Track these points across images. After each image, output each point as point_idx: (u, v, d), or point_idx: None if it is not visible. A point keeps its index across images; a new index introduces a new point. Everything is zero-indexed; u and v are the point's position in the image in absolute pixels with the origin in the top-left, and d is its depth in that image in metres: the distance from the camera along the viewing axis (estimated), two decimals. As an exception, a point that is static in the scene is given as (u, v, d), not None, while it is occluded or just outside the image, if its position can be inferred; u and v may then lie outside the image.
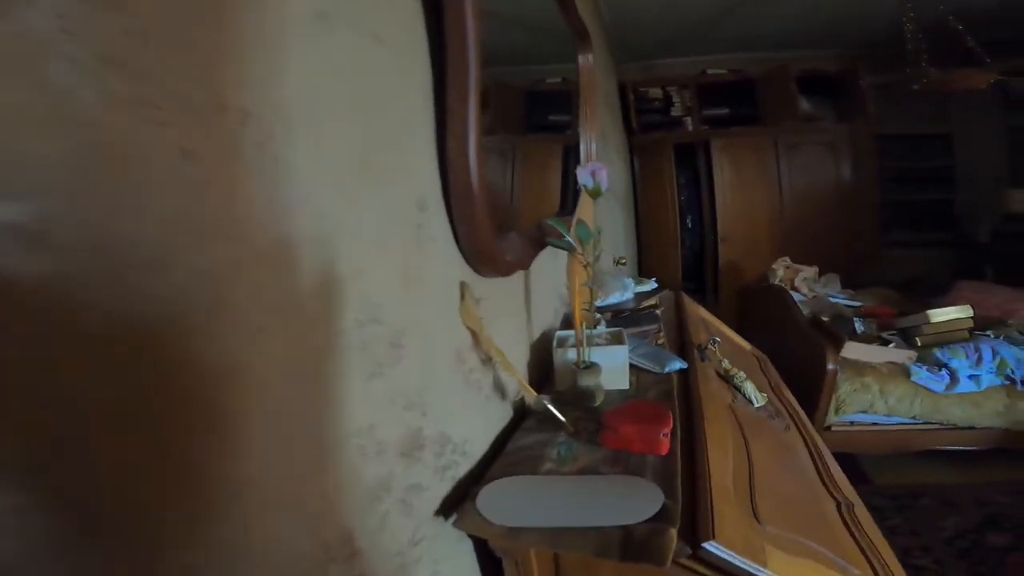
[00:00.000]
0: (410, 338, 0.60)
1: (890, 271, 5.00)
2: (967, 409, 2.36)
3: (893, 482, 2.47)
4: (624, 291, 1.31)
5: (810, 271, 3.67)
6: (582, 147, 1.65)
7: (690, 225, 4.95)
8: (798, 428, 1.31)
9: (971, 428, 2.40)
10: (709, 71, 4.74)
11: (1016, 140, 4.71)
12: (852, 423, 2.52)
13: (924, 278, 4.49)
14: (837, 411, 2.50)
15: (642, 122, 4.63)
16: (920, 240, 5.26)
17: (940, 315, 2.51)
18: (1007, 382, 2.35)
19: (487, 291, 0.80)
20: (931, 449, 2.48)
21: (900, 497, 2.35)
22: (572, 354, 0.92)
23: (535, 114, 1.65)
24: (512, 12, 1.27)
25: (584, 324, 0.89)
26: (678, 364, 1.05)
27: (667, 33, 4.39)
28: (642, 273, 4.56)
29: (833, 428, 2.53)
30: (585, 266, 0.86)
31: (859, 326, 2.77)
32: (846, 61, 4.62)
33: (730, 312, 4.33)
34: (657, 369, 1.04)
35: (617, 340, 0.98)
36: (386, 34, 0.59)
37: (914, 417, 2.43)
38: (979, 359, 2.34)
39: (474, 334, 0.72)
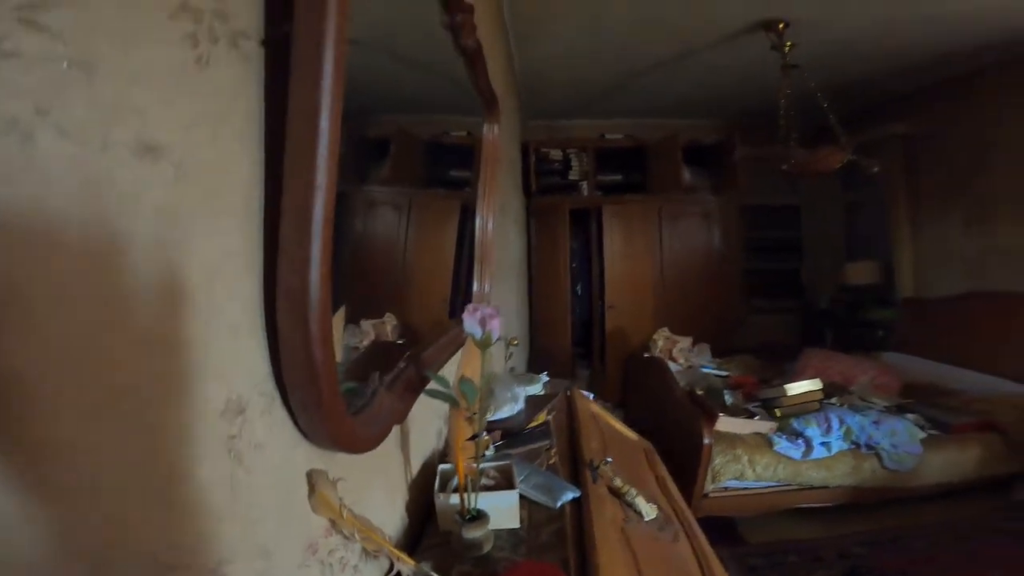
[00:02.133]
0: (239, 565, 0.49)
1: (750, 336, 5.56)
2: (822, 472, 2.63)
3: (765, 540, 2.64)
4: (515, 403, 1.28)
5: (685, 341, 3.95)
6: (478, 222, 1.59)
7: (579, 292, 5.16)
8: (684, 530, 1.34)
9: (826, 487, 2.66)
10: (607, 136, 5.03)
11: (852, 215, 5.55)
12: (727, 489, 2.69)
13: (777, 343, 5.04)
14: (713, 479, 2.65)
15: (541, 184, 4.76)
16: (775, 307, 5.94)
17: (795, 389, 2.80)
18: (853, 446, 2.66)
19: (350, 464, 0.70)
20: (796, 508, 2.71)
21: (773, 555, 2.52)
22: (456, 499, 0.86)
23: (436, 167, 1.58)
24: (419, 55, 1.22)
25: (470, 478, 0.83)
26: (571, 494, 1.03)
27: (573, 95, 4.70)
28: (533, 337, 4.65)
29: (710, 495, 2.68)
30: (470, 419, 0.81)
31: (728, 398, 3.00)
32: (726, 131, 5.09)
33: (616, 379, 4.54)
34: (550, 503, 1.00)
35: (506, 479, 0.94)
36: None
37: (778, 481, 2.65)
38: (829, 427, 2.62)
39: (333, 520, 0.63)
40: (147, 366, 0.40)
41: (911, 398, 3.17)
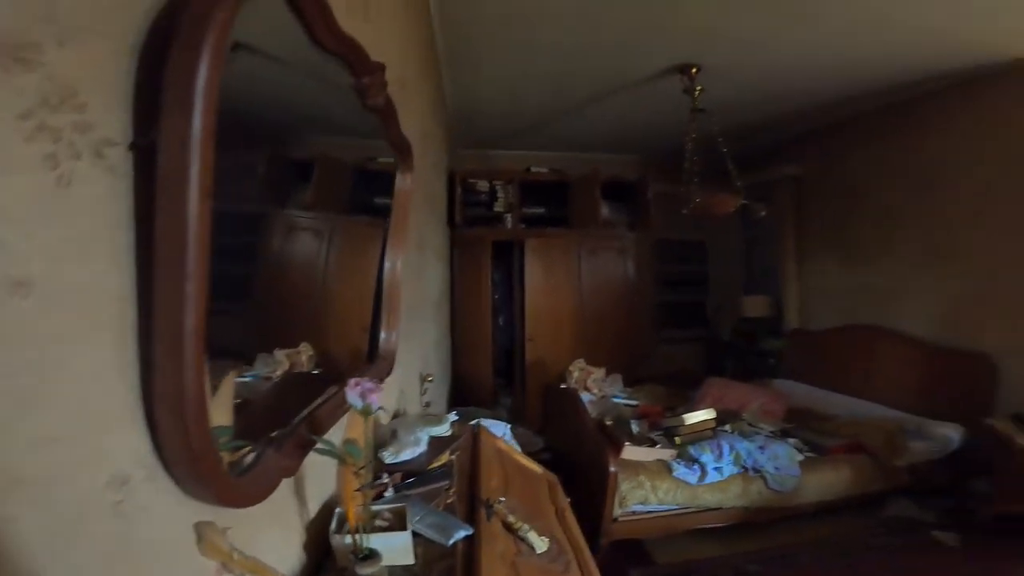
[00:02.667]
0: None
1: (661, 364, 5.90)
2: (716, 494, 2.85)
3: (670, 560, 2.82)
4: (417, 446, 1.33)
5: (599, 372, 4.15)
6: (386, 266, 1.56)
7: (502, 324, 5.28)
8: (576, 559, 1.44)
9: (721, 509, 2.89)
10: (533, 168, 5.17)
11: (751, 251, 6.07)
12: (634, 512, 2.84)
13: (684, 372, 5.39)
14: (620, 504, 2.80)
15: (467, 215, 4.81)
16: (683, 337, 6.35)
17: (692, 418, 3.03)
18: (742, 470, 2.90)
19: (242, 513, 0.71)
20: (698, 528, 2.92)
21: (677, 574, 2.72)
22: (350, 539, 0.91)
23: (361, 193, 1.54)
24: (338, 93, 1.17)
25: (360, 522, 0.89)
26: (463, 532, 1.10)
27: (503, 126, 4.86)
28: (456, 366, 4.69)
29: (620, 519, 2.83)
30: (357, 472, 0.86)
31: (635, 427, 3.19)
32: (644, 169, 5.45)
33: (537, 407, 4.67)
34: (443, 540, 1.07)
35: (400, 521, 1.00)
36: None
37: (679, 504, 2.84)
38: (720, 454, 2.86)
39: (223, 563, 0.67)
40: (39, 458, 0.44)
41: (793, 422, 3.51)
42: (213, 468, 0.58)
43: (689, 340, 6.32)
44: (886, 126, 4.09)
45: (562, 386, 4.22)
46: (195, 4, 0.52)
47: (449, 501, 1.23)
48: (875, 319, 4.14)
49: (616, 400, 3.91)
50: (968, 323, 3.49)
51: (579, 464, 3.14)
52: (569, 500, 1.93)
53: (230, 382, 0.70)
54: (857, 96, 3.89)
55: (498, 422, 3.00)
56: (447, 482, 1.27)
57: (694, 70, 3.38)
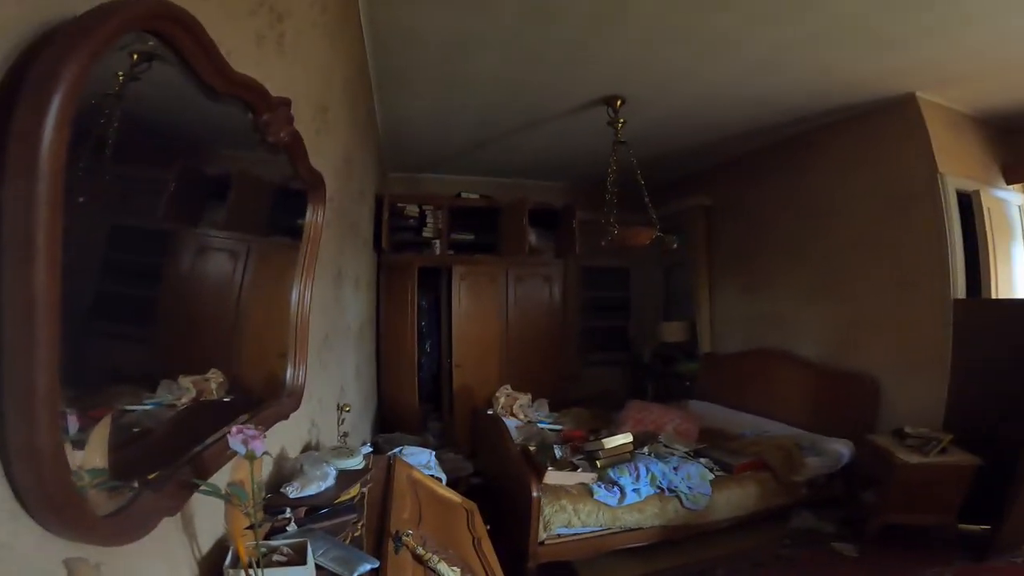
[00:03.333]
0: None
1: (587, 387, 6.05)
2: (635, 515, 2.94)
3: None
4: (324, 480, 1.29)
5: (525, 398, 4.20)
6: (293, 295, 1.46)
7: (429, 350, 5.24)
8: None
9: (641, 528, 2.98)
10: (464, 194, 5.16)
11: (669, 278, 6.39)
12: (559, 536, 2.87)
13: (610, 394, 5.56)
14: (545, 528, 2.82)
15: (395, 240, 4.73)
16: (607, 360, 6.56)
17: (611, 442, 3.13)
18: (658, 491, 3.01)
19: (118, 549, 0.67)
20: (621, 548, 2.99)
21: None
22: (244, 575, 0.87)
23: (282, 214, 1.48)
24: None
25: (254, 558, 0.85)
26: (367, 565, 1.08)
27: (435, 150, 4.89)
28: (382, 392, 4.58)
29: (546, 543, 2.85)
30: (247, 513, 0.84)
31: (558, 452, 3.24)
32: (572, 196, 5.63)
33: (466, 432, 4.64)
34: (346, 574, 1.04)
35: (300, 555, 0.97)
36: None
37: (601, 526, 2.90)
38: (638, 475, 2.95)
39: None
40: None
41: (705, 442, 3.69)
42: (76, 515, 0.55)
43: (613, 363, 6.53)
44: (786, 159, 4.44)
45: (488, 412, 4.23)
46: (41, 61, 0.49)
47: (356, 534, 1.21)
48: (775, 343, 4.48)
49: (542, 425, 3.96)
50: (852, 346, 3.85)
51: (506, 488, 3.15)
52: (488, 528, 1.94)
53: (105, 426, 0.66)
54: (763, 129, 4.23)
55: (422, 449, 2.94)
56: (355, 515, 1.25)
57: (619, 102, 3.57)
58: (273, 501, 1.23)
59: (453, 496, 1.97)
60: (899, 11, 2.52)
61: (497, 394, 4.25)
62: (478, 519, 1.92)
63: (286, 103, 1.16)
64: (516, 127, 4.25)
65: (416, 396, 4.67)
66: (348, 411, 2.37)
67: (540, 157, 5.11)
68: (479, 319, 4.90)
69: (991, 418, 2.88)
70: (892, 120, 3.55)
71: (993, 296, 3.44)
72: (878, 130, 3.66)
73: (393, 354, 4.65)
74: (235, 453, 0.85)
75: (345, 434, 2.46)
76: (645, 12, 2.60)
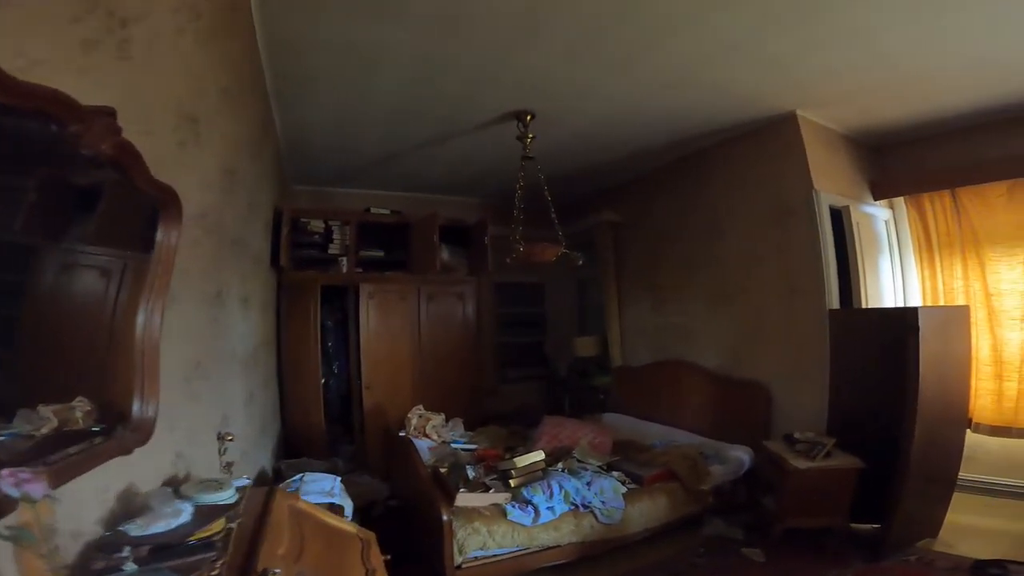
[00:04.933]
0: None
1: (505, 403, 6.00)
2: (551, 533, 2.87)
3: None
4: (176, 516, 1.12)
5: (438, 418, 4.05)
6: (139, 320, 1.26)
7: (337, 371, 4.94)
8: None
9: (559, 546, 2.91)
10: (374, 209, 4.94)
11: (582, 293, 6.50)
12: (476, 558, 2.74)
13: (527, 410, 5.53)
14: (460, 551, 2.69)
15: (297, 257, 4.42)
16: (524, 376, 6.55)
17: (523, 461, 3.07)
18: (573, 507, 2.97)
19: None
20: (542, 567, 2.91)
21: None
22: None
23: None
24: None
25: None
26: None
27: (341, 164, 4.70)
28: (286, 416, 4.24)
29: (463, 566, 2.71)
30: (43, 555, 0.70)
31: (471, 472, 3.13)
32: (485, 211, 5.55)
33: (379, 454, 4.40)
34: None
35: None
36: None
37: (518, 546, 2.81)
38: (551, 493, 2.90)
39: None
40: None
41: (618, 455, 3.73)
42: None
43: (531, 379, 6.54)
44: (687, 175, 4.65)
45: (401, 434, 4.03)
46: None
47: (215, 573, 1.04)
48: (681, 354, 4.66)
49: (455, 445, 3.82)
50: (746, 356, 4.07)
51: (420, 511, 3.00)
52: (387, 557, 1.80)
53: None
54: (667, 146, 4.41)
55: (326, 475, 2.83)
56: (214, 553, 1.08)
57: (529, 117, 3.57)
58: (109, 540, 1.05)
59: (347, 527, 1.81)
60: (786, 25, 2.64)
61: (409, 415, 4.07)
62: (374, 550, 1.78)
63: (106, 113, 1.01)
64: (426, 140, 4.18)
65: (323, 419, 4.36)
66: (231, 440, 2.14)
67: (453, 172, 5.05)
68: (389, 338, 4.70)
69: (866, 420, 3.09)
70: (776, 137, 3.81)
71: (863, 306, 3.74)
72: (764, 147, 3.92)
73: (296, 376, 4.33)
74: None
75: (229, 464, 2.22)
76: (554, 26, 2.63)
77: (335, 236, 4.69)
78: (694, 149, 4.46)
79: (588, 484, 3.06)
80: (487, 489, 2.95)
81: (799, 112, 3.67)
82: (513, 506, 2.84)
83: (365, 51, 2.80)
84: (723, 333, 4.29)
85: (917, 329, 2.72)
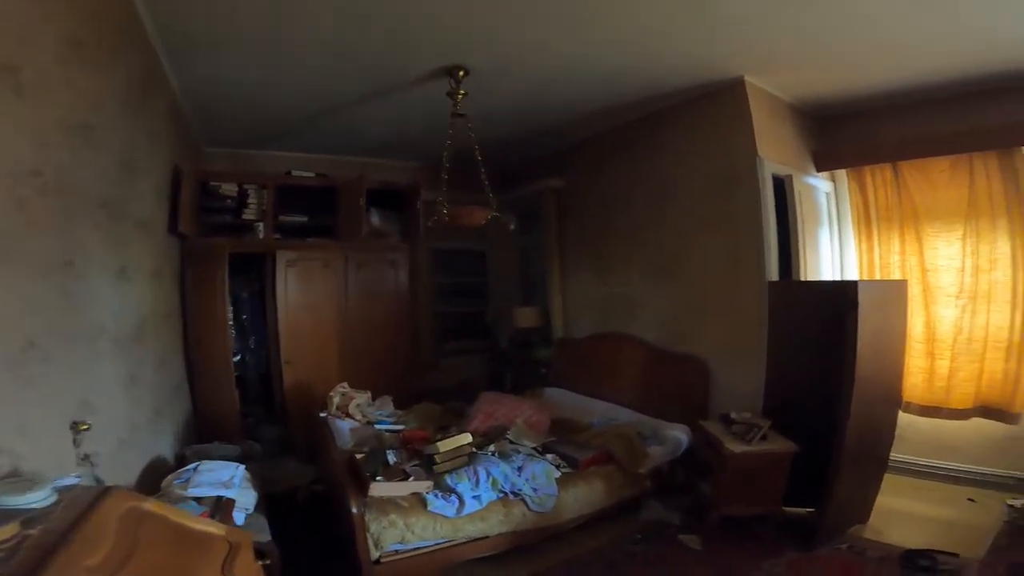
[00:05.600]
0: None
1: (444, 378, 5.76)
2: (479, 524, 2.65)
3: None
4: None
5: (363, 396, 3.75)
6: None
7: (254, 346, 4.54)
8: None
9: (487, 537, 2.69)
10: (295, 172, 4.56)
11: (525, 262, 6.23)
12: (396, 551, 2.51)
13: (465, 385, 5.29)
14: (377, 546, 2.45)
15: (207, 223, 3.99)
16: (466, 348, 6.30)
17: (446, 445, 2.82)
18: (501, 495, 2.75)
19: None
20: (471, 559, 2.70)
21: None
22: None
23: None
24: None
25: None
26: None
27: (261, 125, 4.25)
28: (196, 401, 3.85)
29: (382, 560, 2.47)
30: None
31: (392, 458, 2.87)
32: (420, 175, 5.19)
33: (304, 437, 4.08)
34: None
35: None
36: None
37: (441, 539, 2.58)
38: (478, 481, 2.68)
39: None
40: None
41: (556, 434, 3.54)
42: None
43: (473, 351, 6.31)
44: (634, 141, 4.41)
45: (321, 414, 3.72)
46: None
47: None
48: (622, 327, 4.51)
49: (380, 427, 3.54)
50: (686, 329, 3.95)
51: (337, 500, 2.73)
52: (266, 562, 1.55)
53: None
54: (614, 109, 4.14)
55: (226, 464, 2.59)
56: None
57: (461, 73, 3.26)
58: None
59: (212, 529, 1.52)
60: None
61: (331, 393, 3.75)
62: (244, 556, 1.50)
63: None
64: (353, 99, 3.79)
65: (235, 399, 3.99)
66: (86, 430, 1.81)
67: (386, 133, 4.64)
68: (312, 309, 4.33)
69: (803, 398, 2.99)
70: (724, 103, 3.62)
71: (803, 278, 3.65)
72: (712, 113, 3.73)
73: (205, 354, 3.91)
74: None
75: (87, 456, 1.89)
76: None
77: (251, 200, 4.25)
78: (642, 114, 4.23)
79: (519, 469, 2.85)
80: (407, 476, 2.70)
81: (748, 78, 3.49)
82: (435, 496, 2.61)
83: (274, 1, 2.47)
84: (664, 305, 4.16)
85: (856, 303, 2.60)
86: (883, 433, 2.97)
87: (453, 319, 6.20)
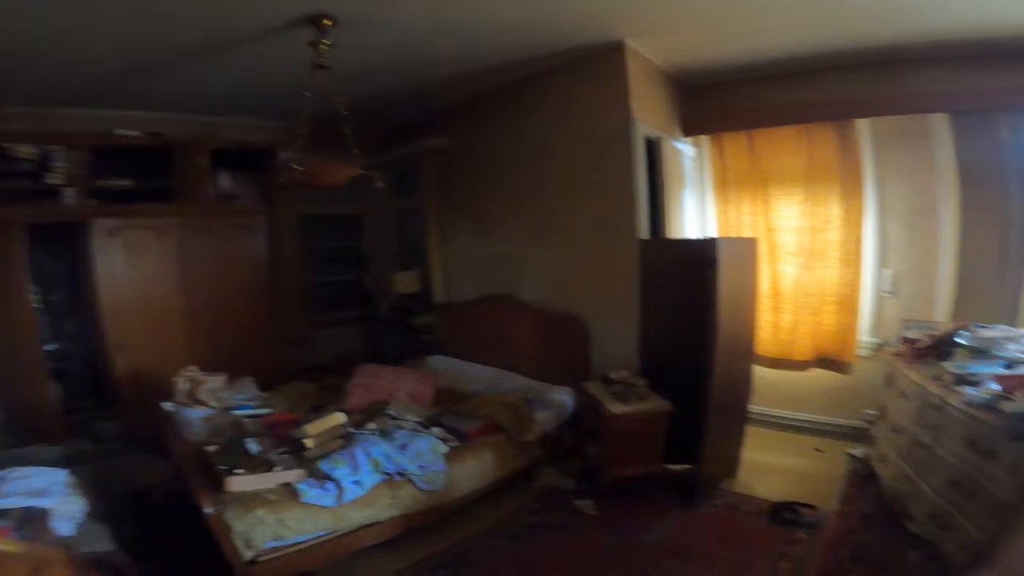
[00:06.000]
0: None
1: (320, 353, 5.34)
2: (364, 510, 2.44)
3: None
4: None
5: (216, 380, 3.29)
6: None
7: (74, 331, 3.79)
8: None
9: (376, 523, 2.49)
10: (120, 131, 3.83)
11: (404, 226, 5.87)
12: (275, 548, 2.23)
13: (344, 359, 4.93)
14: (248, 546, 2.16)
15: None
16: (344, 319, 5.89)
17: (316, 427, 2.56)
18: (385, 477, 2.55)
19: None
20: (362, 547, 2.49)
21: None
22: None
23: None
24: None
25: None
26: None
27: (71, 80, 3.42)
28: (7, 400, 3.12)
29: (259, 560, 2.19)
30: None
31: (253, 447, 2.53)
32: (279, 133, 4.59)
33: (150, 432, 3.51)
34: None
35: None
36: None
37: (323, 531, 2.34)
38: (357, 465, 2.45)
39: None
40: None
41: (440, 406, 3.39)
42: None
43: (352, 322, 5.92)
44: (517, 100, 4.23)
45: (166, 405, 3.21)
46: None
47: None
48: (504, 289, 4.44)
49: (240, 412, 3.13)
50: (565, 291, 3.95)
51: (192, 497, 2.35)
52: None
53: None
54: (492, 69, 3.92)
55: (44, 470, 2.33)
56: None
57: (327, 21, 2.81)
58: None
59: (8, 547, 1.21)
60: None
61: (176, 379, 3.24)
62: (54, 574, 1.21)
63: None
64: (189, 50, 3.17)
65: (50, 394, 3.31)
66: None
67: (239, 89, 3.98)
68: (146, 285, 3.71)
69: (674, 356, 3.09)
70: (602, 66, 3.57)
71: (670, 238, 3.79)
72: (591, 75, 3.67)
73: (5, 345, 3.17)
74: None
75: None
76: None
77: (56, 164, 3.51)
78: (523, 75, 4.07)
79: (403, 447, 2.67)
80: (272, 467, 2.40)
81: (628, 42, 3.46)
82: (309, 485, 2.34)
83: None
84: (545, 266, 4.14)
85: (716, 258, 2.71)
86: (743, 387, 3.19)
87: (328, 288, 5.75)
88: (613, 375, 3.11)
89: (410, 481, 2.60)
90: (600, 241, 3.73)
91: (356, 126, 3.22)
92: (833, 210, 3.74)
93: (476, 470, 2.88)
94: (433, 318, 5.12)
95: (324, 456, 2.48)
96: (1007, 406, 1.92)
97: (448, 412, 3.27)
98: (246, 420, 2.98)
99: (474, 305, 4.70)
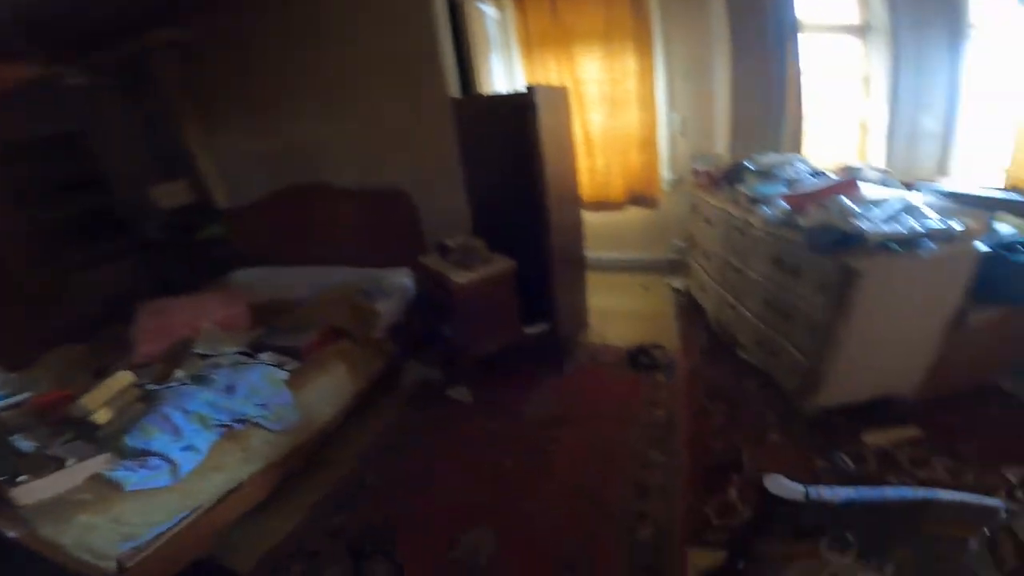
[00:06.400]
0: None
1: (80, 303, 4.22)
2: (216, 477, 2.04)
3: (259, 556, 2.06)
4: None
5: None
6: None
7: None
8: None
9: (239, 487, 2.12)
10: None
11: (154, 133, 4.61)
12: (138, 548, 1.81)
13: (120, 301, 3.93)
14: (96, 557, 1.70)
15: None
16: (103, 255, 4.66)
17: (94, 399, 2.00)
18: (224, 430, 2.13)
19: None
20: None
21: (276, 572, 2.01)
22: None
23: None
24: None
25: None
26: None
27: None
28: None
29: (128, 567, 1.78)
30: None
31: (24, 444, 1.92)
32: None
33: None
34: None
35: None
36: None
37: (183, 512, 1.94)
38: (176, 428, 1.99)
39: None
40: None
41: (262, 327, 2.91)
42: None
43: (115, 257, 4.71)
44: None
45: None
46: None
47: None
48: (306, 177, 3.88)
49: (-13, 407, 2.32)
50: (382, 164, 3.63)
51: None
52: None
53: None
54: None
55: None
56: None
57: None
58: None
59: None
60: None
61: None
62: None
63: None
64: None
65: None
66: None
67: None
68: None
69: (505, 213, 2.97)
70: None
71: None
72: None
73: None
74: None
75: None
76: None
77: None
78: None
79: (230, 389, 2.22)
80: (62, 462, 1.85)
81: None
82: (126, 469, 1.87)
83: None
84: (356, 143, 3.69)
85: (535, 105, 2.56)
86: (577, 232, 3.23)
87: (68, 223, 4.41)
88: (449, 242, 2.88)
89: (256, 425, 2.23)
90: (411, 110, 3.44)
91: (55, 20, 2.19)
92: (629, 64, 3.93)
93: (330, 388, 2.59)
94: (222, 228, 4.31)
95: (127, 430, 1.96)
96: (802, 220, 2.20)
97: (274, 330, 2.81)
98: (2, 414, 2.23)
99: (273, 201, 4.02)
